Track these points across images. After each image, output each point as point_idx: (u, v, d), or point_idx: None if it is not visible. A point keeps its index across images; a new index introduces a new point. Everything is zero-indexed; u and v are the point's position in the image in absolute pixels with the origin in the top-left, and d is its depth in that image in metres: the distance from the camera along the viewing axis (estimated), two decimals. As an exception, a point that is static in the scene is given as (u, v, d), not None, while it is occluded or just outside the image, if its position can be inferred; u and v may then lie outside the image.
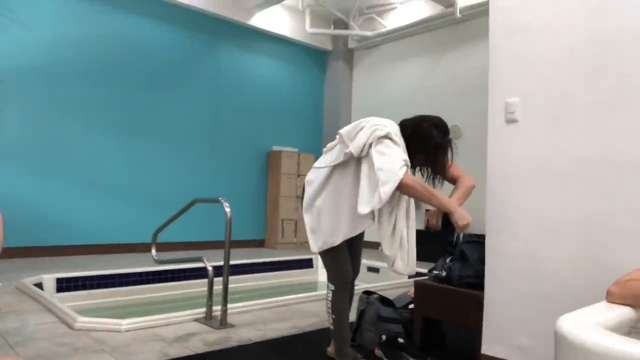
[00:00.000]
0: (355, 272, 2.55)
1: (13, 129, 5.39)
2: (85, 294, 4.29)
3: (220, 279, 3.26)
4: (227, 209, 3.24)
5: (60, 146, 5.70)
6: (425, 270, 2.96)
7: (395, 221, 2.20)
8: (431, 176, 2.34)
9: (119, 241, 6.09)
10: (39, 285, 4.00)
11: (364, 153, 2.13)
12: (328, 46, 8.40)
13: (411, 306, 2.92)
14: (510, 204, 2.40)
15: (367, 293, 3.00)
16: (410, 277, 3.47)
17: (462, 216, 2.09)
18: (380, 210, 2.14)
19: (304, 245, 7.63)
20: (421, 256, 2.47)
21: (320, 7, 7.44)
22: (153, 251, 3.90)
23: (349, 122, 8.28)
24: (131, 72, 6.27)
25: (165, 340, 2.82)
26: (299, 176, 7.66)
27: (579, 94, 2.19)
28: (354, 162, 2.22)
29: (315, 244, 2.30)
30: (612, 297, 1.50)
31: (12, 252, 5.30)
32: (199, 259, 3.50)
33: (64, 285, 4.22)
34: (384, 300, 2.98)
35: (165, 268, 4.77)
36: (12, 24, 5.37)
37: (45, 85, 5.60)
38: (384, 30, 7.57)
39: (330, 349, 2.54)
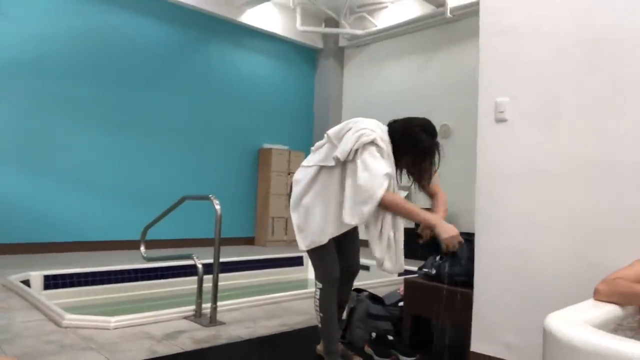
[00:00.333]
0: (355, 269, 2.54)
1: (1, 125, 5.32)
2: (73, 291, 4.25)
3: (210, 276, 3.25)
4: (217, 206, 3.23)
5: (48, 143, 5.64)
6: (415, 268, 2.98)
7: (382, 224, 2.20)
8: (417, 179, 2.32)
9: (107, 238, 6.05)
10: (26, 283, 3.95)
11: (349, 158, 2.14)
12: (319, 44, 8.40)
13: (401, 304, 2.93)
14: (499, 203, 2.42)
15: (357, 291, 3.01)
16: (400, 275, 3.48)
17: (446, 229, 2.05)
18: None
19: (294, 243, 7.59)
20: (411, 254, 2.47)
21: (311, 4, 7.43)
22: (142, 248, 3.88)
23: (339, 120, 8.29)
24: (121, 69, 6.22)
25: (154, 338, 2.80)
26: (289, 174, 7.66)
27: (568, 94, 2.21)
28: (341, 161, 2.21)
29: (303, 242, 2.31)
30: (599, 295, 1.52)
31: (0, 249, 5.25)
32: (189, 257, 3.48)
33: (51, 282, 4.18)
34: (374, 298, 2.99)
35: (154, 265, 4.74)
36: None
37: (33, 81, 5.54)
38: (374, 29, 7.58)
39: (320, 347, 2.54)
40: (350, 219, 2.11)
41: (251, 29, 7.56)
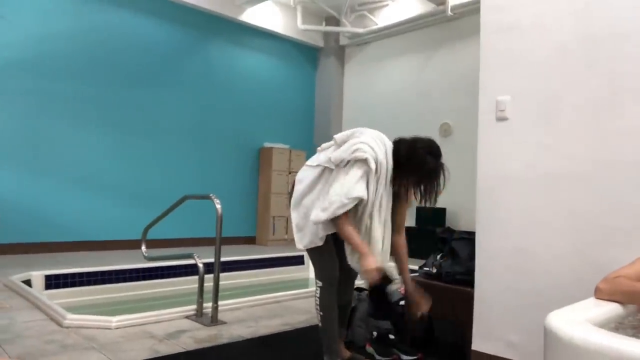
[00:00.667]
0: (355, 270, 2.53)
1: (1, 125, 5.33)
2: (75, 291, 4.25)
3: (211, 275, 3.25)
4: (218, 206, 3.23)
5: (48, 142, 5.65)
6: (416, 267, 2.97)
7: (363, 222, 2.21)
8: (421, 199, 2.31)
9: (108, 238, 6.05)
10: (28, 282, 3.96)
11: (341, 165, 2.18)
12: (319, 43, 8.39)
13: (402, 303, 2.93)
14: (500, 201, 2.41)
15: (358, 290, 3.00)
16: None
17: (364, 263, 2.08)
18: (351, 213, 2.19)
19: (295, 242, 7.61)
20: (412, 253, 2.47)
21: (312, 3, 7.42)
22: (143, 248, 3.88)
23: (340, 118, 8.29)
24: (121, 68, 6.22)
25: (156, 338, 2.80)
26: (290, 173, 7.65)
27: (569, 92, 2.21)
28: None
29: (301, 242, 2.33)
30: (600, 294, 1.51)
31: (0, 249, 5.25)
32: (190, 256, 3.49)
33: (52, 282, 4.18)
34: (375, 297, 2.99)
35: (155, 265, 4.75)
36: (-1, 18, 5.31)
37: (34, 81, 5.54)
38: (375, 27, 7.57)
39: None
40: (312, 217, 2.20)
41: (252, 27, 7.55)
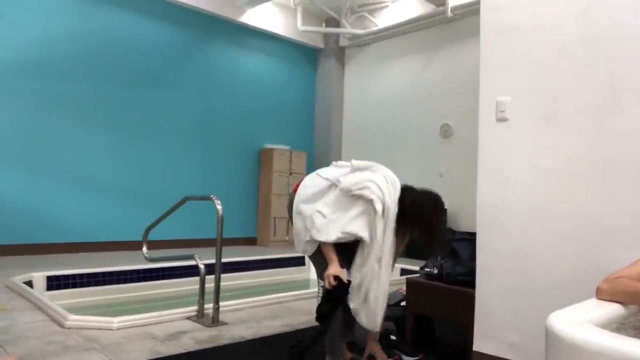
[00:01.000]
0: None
1: (1, 125, 5.34)
2: (76, 292, 4.26)
3: (212, 276, 3.25)
4: (219, 207, 3.23)
5: (49, 143, 5.65)
6: (417, 268, 2.97)
7: (362, 278, 2.19)
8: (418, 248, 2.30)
9: (109, 239, 6.05)
10: (29, 284, 3.96)
11: (347, 194, 2.19)
12: (320, 44, 8.39)
13: (403, 303, 2.93)
14: (500, 202, 2.42)
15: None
16: (402, 275, 3.48)
17: (328, 269, 2.17)
18: (353, 260, 2.20)
19: (296, 243, 7.62)
20: (413, 254, 2.47)
21: (312, 4, 7.43)
22: (144, 249, 3.89)
23: (340, 120, 8.30)
24: (122, 69, 6.22)
25: (157, 339, 2.81)
26: (290, 174, 7.66)
27: (569, 93, 2.22)
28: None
29: (298, 247, 2.37)
30: (602, 294, 1.51)
31: (1, 250, 5.25)
32: (191, 257, 3.49)
33: (54, 283, 4.19)
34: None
35: (156, 266, 4.75)
36: None
37: (35, 82, 5.54)
38: (375, 28, 7.57)
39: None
40: (312, 234, 2.23)
41: (252, 29, 7.56)
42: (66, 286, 4.23)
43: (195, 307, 3.33)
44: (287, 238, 7.60)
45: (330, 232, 2.16)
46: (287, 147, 7.75)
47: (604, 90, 2.11)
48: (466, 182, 5.98)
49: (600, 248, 2.08)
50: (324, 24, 8.19)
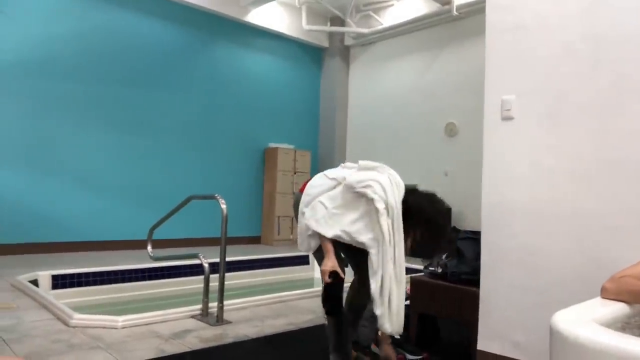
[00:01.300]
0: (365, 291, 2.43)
1: (4, 125, 5.36)
2: (81, 290, 4.28)
3: (217, 275, 3.26)
4: (223, 206, 3.24)
5: (54, 143, 5.68)
6: (421, 267, 2.97)
7: (382, 283, 2.15)
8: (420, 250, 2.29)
9: (114, 238, 6.08)
10: (35, 282, 3.98)
11: (350, 190, 2.19)
12: (324, 43, 8.39)
13: (407, 302, 2.92)
14: (505, 201, 2.41)
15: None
16: (406, 273, 3.47)
17: (324, 263, 2.19)
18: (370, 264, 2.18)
19: (300, 242, 7.62)
20: (417, 252, 2.46)
21: (316, 3, 7.42)
22: (149, 248, 3.90)
23: (345, 119, 8.29)
24: (126, 69, 6.24)
25: (162, 337, 2.82)
26: (295, 173, 7.66)
27: (574, 92, 2.20)
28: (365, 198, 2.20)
29: (302, 245, 2.34)
30: (606, 293, 1.51)
31: (7, 249, 5.28)
32: (195, 256, 3.50)
33: (59, 282, 4.20)
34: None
35: (161, 265, 4.76)
36: (3, 19, 5.34)
37: (38, 80, 5.57)
38: (380, 27, 7.56)
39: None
40: (309, 222, 2.23)
41: (257, 28, 7.56)
42: (71, 285, 4.25)
43: (199, 306, 3.33)
44: (291, 237, 7.60)
45: (330, 227, 2.15)
46: (291, 146, 7.75)
47: (608, 89, 2.10)
48: (471, 180, 5.96)
49: (604, 247, 2.07)
50: (328, 23, 8.18)
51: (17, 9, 5.43)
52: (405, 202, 2.21)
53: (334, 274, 2.13)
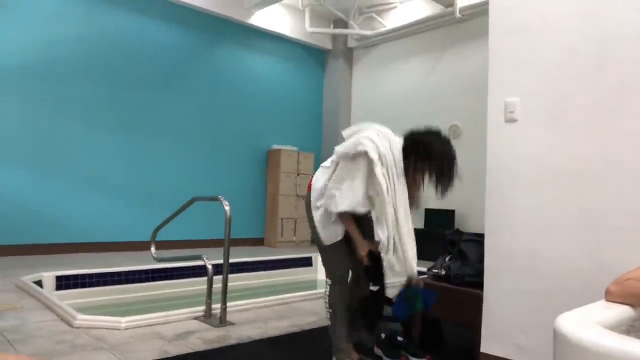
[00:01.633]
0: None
1: (11, 126, 5.39)
2: (85, 291, 4.29)
3: (220, 277, 3.26)
4: (227, 207, 3.24)
5: (59, 144, 5.70)
6: (424, 269, 2.97)
7: (385, 231, 2.21)
8: (436, 187, 2.27)
9: (118, 239, 6.09)
10: (39, 283, 4.00)
11: (346, 159, 2.23)
12: (328, 45, 8.40)
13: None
14: (509, 203, 2.40)
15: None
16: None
17: (359, 249, 2.27)
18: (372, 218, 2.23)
19: (303, 243, 7.64)
20: (421, 255, 2.47)
21: (320, 6, 7.43)
22: (152, 249, 3.91)
23: (348, 121, 8.29)
24: (130, 70, 6.26)
25: (165, 338, 2.82)
26: (298, 175, 7.67)
27: (578, 94, 2.20)
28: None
29: (327, 238, 2.34)
30: (611, 296, 1.50)
31: (11, 250, 5.30)
32: (199, 257, 3.50)
33: (63, 283, 4.22)
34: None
35: (164, 266, 4.77)
36: (9, 21, 5.37)
37: (43, 82, 5.59)
38: (383, 29, 7.56)
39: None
40: (329, 206, 2.25)
41: (260, 30, 7.58)
42: (75, 286, 4.26)
43: (202, 307, 3.34)
44: (294, 239, 7.60)
45: (346, 201, 2.18)
46: (294, 148, 7.76)
47: (612, 90, 2.10)
48: (474, 183, 5.95)
49: (609, 249, 2.06)
50: (331, 25, 8.19)
51: (25, 12, 5.45)
52: (411, 142, 2.25)
53: (371, 255, 2.18)
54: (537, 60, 2.35)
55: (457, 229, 3.04)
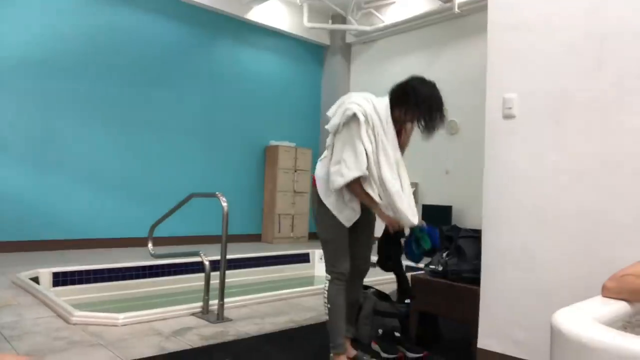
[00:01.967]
0: (365, 267, 2.54)
1: (7, 122, 5.37)
2: (82, 288, 4.28)
3: (217, 273, 3.26)
4: (224, 204, 3.24)
5: (55, 140, 5.68)
6: (422, 265, 2.97)
7: (378, 179, 2.29)
8: (425, 131, 2.39)
9: (115, 235, 6.08)
10: (35, 280, 3.99)
11: (339, 130, 2.31)
12: (326, 41, 8.38)
13: (407, 300, 2.93)
14: (506, 199, 2.40)
15: (364, 287, 3.00)
16: (406, 272, 3.47)
17: (383, 217, 2.35)
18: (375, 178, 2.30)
19: (300, 240, 7.64)
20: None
21: (318, 1, 7.41)
22: (150, 245, 3.90)
23: (346, 117, 8.25)
24: (127, 66, 6.24)
25: (162, 335, 2.82)
26: (295, 171, 7.66)
27: (576, 91, 2.20)
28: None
29: (347, 219, 2.35)
30: (607, 292, 1.50)
31: (8, 246, 5.29)
32: (196, 253, 3.50)
33: (60, 279, 4.21)
34: (381, 295, 2.99)
35: (161, 262, 4.76)
36: (4, 16, 5.34)
37: (40, 78, 5.57)
38: (381, 25, 7.55)
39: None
40: (332, 184, 2.28)
41: (258, 26, 7.56)
42: (72, 282, 4.26)
43: (200, 304, 3.34)
44: (291, 235, 7.61)
45: (353, 166, 2.22)
46: (292, 144, 7.75)
47: (611, 88, 2.09)
48: (472, 179, 5.95)
49: (606, 245, 2.06)
50: (330, 21, 8.17)
51: (23, 7, 5.42)
52: (404, 90, 2.38)
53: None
54: (535, 56, 2.34)
55: (455, 225, 3.04)
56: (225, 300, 3.28)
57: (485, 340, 2.44)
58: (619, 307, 1.42)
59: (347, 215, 2.35)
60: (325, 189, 2.37)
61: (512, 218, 2.38)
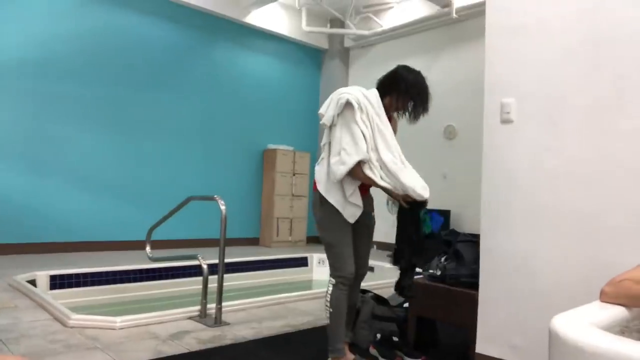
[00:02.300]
0: (363, 271, 2.54)
1: (4, 124, 5.36)
2: (79, 291, 4.27)
3: (215, 276, 3.25)
4: (222, 207, 3.24)
5: (53, 142, 5.67)
6: (420, 270, 2.97)
7: (379, 159, 2.35)
8: (412, 116, 2.46)
9: (113, 238, 6.07)
10: (33, 282, 3.97)
11: (334, 123, 2.36)
12: (324, 45, 8.40)
13: (406, 305, 2.93)
14: (505, 204, 2.41)
15: (362, 291, 3.00)
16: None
17: (393, 194, 2.37)
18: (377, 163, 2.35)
19: (298, 243, 7.64)
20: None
21: (316, 5, 7.42)
22: (147, 249, 3.89)
23: (344, 121, 8.26)
24: (125, 69, 6.24)
25: (159, 338, 2.81)
26: (294, 174, 7.66)
27: (574, 95, 2.21)
28: None
29: (352, 216, 2.37)
30: (605, 297, 1.50)
31: (5, 249, 5.28)
32: (194, 257, 3.49)
33: (57, 282, 4.19)
34: (379, 299, 2.99)
35: (159, 266, 4.76)
36: (2, 18, 5.34)
37: (38, 81, 5.57)
38: (380, 29, 7.57)
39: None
40: (333, 175, 2.32)
41: (257, 29, 7.57)
42: (69, 285, 4.24)
43: (197, 307, 3.33)
44: (290, 238, 7.60)
45: (353, 151, 2.26)
46: (290, 148, 7.75)
47: (609, 91, 2.10)
48: (470, 183, 5.96)
49: (604, 250, 2.07)
50: (328, 25, 8.19)
51: (20, 9, 5.42)
52: (395, 79, 2.45)
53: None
54: (533, 61, 2.35)
55: (453, 230, 3.04)
56: (223, 303, 3.27)
57: (483, 345, 2.44)
58: (617, 312, 1.42)
59: (351, 210, 2.36)
60: (327, 188, 2.38)
61: (510, 222, 2.38)
